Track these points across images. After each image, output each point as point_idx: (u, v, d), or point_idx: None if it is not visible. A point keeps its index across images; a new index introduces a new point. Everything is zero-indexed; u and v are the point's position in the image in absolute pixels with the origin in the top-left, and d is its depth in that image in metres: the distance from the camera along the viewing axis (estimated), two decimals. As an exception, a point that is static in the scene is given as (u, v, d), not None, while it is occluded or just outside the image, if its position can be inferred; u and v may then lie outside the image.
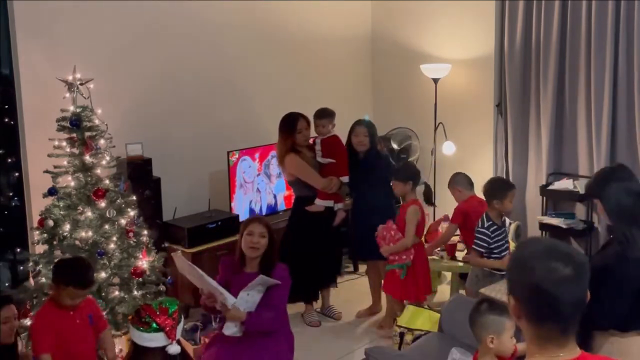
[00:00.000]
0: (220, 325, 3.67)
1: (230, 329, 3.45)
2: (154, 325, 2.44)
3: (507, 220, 5.60)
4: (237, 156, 5.24)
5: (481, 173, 6.04)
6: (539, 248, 1.60)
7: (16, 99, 4.39)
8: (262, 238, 3.49)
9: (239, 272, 3.55)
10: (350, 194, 5.08)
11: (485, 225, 4.16)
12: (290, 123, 4.79)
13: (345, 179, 4.86)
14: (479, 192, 4.51)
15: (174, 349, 2.46)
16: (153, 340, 2.45)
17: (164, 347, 2.45)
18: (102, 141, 3.90)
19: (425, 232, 5.13)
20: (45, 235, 3.79)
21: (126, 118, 4.80)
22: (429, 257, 4.77)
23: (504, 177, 5.96)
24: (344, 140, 4.98)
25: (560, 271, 1.52)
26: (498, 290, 3.76)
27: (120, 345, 3.81)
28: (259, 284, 3.39)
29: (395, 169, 4.92)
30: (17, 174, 4.47)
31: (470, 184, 4.79)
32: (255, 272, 3.47)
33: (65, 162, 3.83)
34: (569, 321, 1.56)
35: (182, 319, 2.57)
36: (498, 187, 4.26)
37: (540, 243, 1.68)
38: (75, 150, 3.81)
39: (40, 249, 3.97)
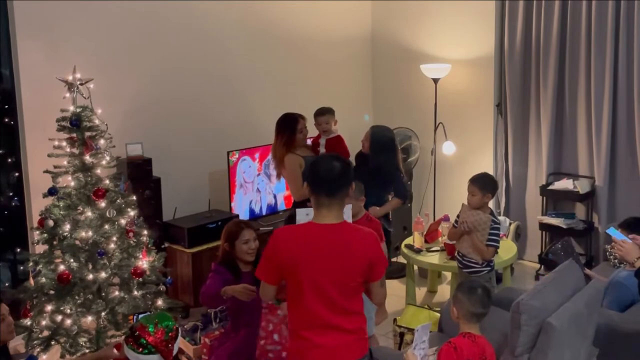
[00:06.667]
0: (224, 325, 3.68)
1: None
2: (150, 347, 2.41)
3: (507, 220, 5.62)
4: (237, 156, 5.24)
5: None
6: (327, 155, 2.89)
7: (16, 99, 4.39)
8: (255, 241, 3.57)
9: (236, 278, 3.55)
10: None
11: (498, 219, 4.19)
12: (292, 123, 4.71)
13: None
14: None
15: None
16: None
17: None
18: (102, 141, 3.90)
19: (425, 233, 5.13)
20: (45, 235, 3.78)
21: (126, 118, 4.81)
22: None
23: (504, 177, 5.97)
24: (347, 140, 4.98)
25: (334, 167, 2.63)
26: None
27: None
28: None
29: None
30: (17, 174, 4.47)
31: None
32: (249, 270, 3.49)
33: (65, 162, 3.82)
34: (335, 195, 2.61)
35: (179, 334, 2.55)
36: (494, 183, 4.29)
37: (328, 155, 2.86)
38: (75, 150, 3.81)
39: (40, 249, 3.97)
